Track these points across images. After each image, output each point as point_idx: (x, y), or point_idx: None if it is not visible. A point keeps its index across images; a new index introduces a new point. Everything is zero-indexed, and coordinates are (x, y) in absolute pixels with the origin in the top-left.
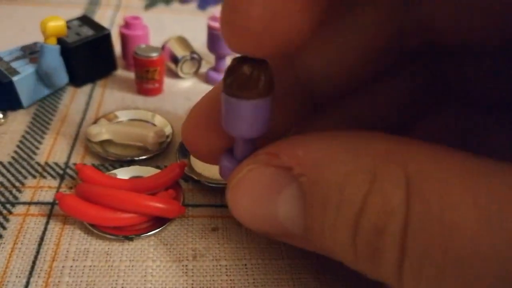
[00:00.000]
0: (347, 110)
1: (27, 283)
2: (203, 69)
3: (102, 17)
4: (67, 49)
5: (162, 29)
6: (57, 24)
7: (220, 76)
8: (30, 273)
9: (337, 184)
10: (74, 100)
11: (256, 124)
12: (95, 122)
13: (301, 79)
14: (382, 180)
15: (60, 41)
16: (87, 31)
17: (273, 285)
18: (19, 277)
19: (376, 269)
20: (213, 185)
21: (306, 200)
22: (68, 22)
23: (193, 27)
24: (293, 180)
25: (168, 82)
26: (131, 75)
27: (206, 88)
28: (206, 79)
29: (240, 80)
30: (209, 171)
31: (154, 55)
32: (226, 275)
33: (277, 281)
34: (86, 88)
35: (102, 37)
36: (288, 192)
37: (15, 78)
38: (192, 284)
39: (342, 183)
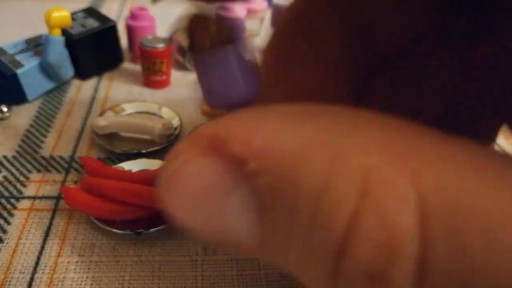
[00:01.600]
0: (406, 73)
1: (31, 279)
2: None
3: (108, 11)
4: (72, 41)
5: (169, 22)
6: (61, 14)
7: None
8: (35, 269)
9: (310, 192)
10: (80, 93)
11: (224, 88)
12: (101, 114)
13: (356, 35)
14: (378, 191)
15: (65, 33)
16: (92, 23)
17: (285, 280)
18: (23, 273)
19: None
20: None
21: (263, 209)
22: (73, 14)
23: None
24: (247, 180)
25: (175, 74)
26: (138, 67)
27: None
28: None
29: (190, 36)
30: None
31: (161, 46)
32: (237, 270)
33: (290, 275)
34: (92, 81)
35: (107, 28)
36: (238, 195)
37: (19, 71)
38: (202, 279)
39: (319, 192)
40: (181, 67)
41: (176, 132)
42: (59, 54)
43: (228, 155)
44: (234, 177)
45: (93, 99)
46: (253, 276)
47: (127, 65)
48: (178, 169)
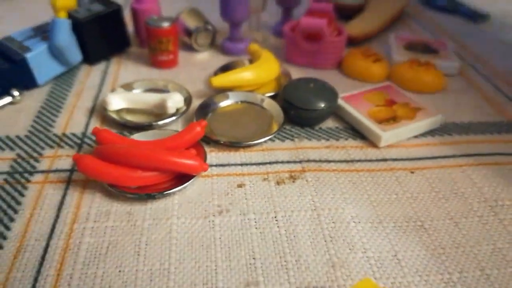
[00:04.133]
0: None
1: (47, 245)
2: (218, 41)
3: None
4: (79, 25)
5: (174, 5)
6: None
7: (236, 46)
8: (50, 236)
9: None
10: (89, 77)
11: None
12: (112, 91)
13: None
14: None
15: (71, 17)
16: (98, 7)
17: (306, 235)
18: (39, 240)
19: None
20: (236, 144)
21: None
22: None
23: (205, 2)
24: None
25: (183, 55)
26: (145, 51)
27: (223, 59)
28: (222, 49)
29: None
30: (230, 131)
31: (166, 25)
32: (256, 228)
33: (310, 231)
34: (101, 66)
35: (113, 11)
36: None
37: (28, 55)
38: (220, 238)
39: None
40: (188, 47)
41: (185, 104)
42: (66, 36)
43: None
44: None
45: (102, 81)
46: (273, 234)
47: (134, 49)
48: None
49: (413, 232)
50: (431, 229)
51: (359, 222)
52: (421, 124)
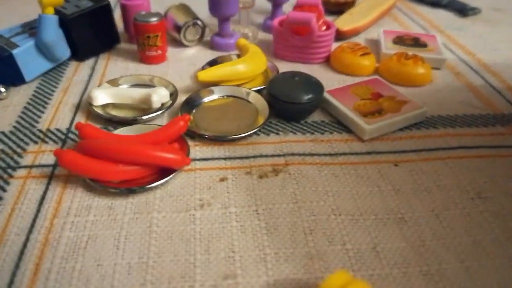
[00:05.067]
0: None
1: (27, 240)
2: (207, 37)
3: None
4: (67, 21)
5: (164, 1)
6: None
7: (225, 41)
8: (30, 231)
9: None
10: (77, 73)
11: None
12: (98, 86)
13: None
14: None
15: (59, 13)
16: (86, 3)
17: (286, 228)
18: (19, 235)
19: None
20: (221, 138)
21: None
22: None
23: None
24: None
25: (172, 50)
26: (134, 47)
27: (212, 54)
28: (211, 45)
29: None
30: (215, 125)
31: (154, 20)
32: (236, 221)
33: (290, 224)
34: (89, 62)
35: (101, 7)
36: None
37: (14, 51)
38: (200, 231)
39: None
40: (177, 43)
41: (171, 99)
42: (53, 32)
43: None
44: None
45: (90, 77)
46: (253, 227)
47: (123, 45)
48: None
49: (394, 224)
50: (411, 221)
51: (340, 215)
52: (406, 117)
